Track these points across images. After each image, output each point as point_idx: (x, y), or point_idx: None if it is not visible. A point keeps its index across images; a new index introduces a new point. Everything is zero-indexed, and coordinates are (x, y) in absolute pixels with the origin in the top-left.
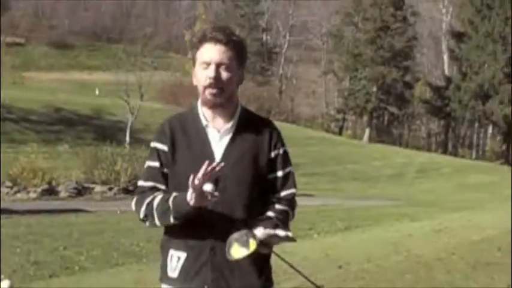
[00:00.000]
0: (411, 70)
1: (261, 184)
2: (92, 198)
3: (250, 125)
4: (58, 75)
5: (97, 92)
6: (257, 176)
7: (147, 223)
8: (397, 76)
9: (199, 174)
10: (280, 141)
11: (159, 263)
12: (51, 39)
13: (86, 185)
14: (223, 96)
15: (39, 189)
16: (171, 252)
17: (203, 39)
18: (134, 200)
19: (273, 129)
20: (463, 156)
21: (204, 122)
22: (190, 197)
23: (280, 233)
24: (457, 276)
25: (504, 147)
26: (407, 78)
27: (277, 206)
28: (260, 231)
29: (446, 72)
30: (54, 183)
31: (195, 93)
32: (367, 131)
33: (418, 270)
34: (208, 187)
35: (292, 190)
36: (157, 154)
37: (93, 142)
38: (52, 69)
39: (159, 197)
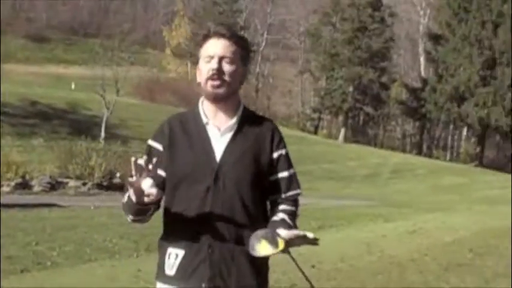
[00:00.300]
0: (388, 71)
1: (261, 184)
2: (66, 193)
3: (252, 124)
4: (34, 69)
5: (73, 86)
6: (258, 175)
7: (128, 219)
8: (373, 77)
9: (132, 172)
10: (283, 142)
11: (132, 259)
12: (28, 32)
13: (60, 179)
14: (225, 88)
15: (12, 183)
16: (170, 249)
17: (207, 35)
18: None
19: (275, 129)
20: (437, 158)
21: (204, 120)
22: (131, 194)
23: (309, 234)
24: (429, 277)
25: (478, 149)
26: (384, 79)
27: (286, 207)
28: (284, 232)
29: (423, 74)
30: (27, 177)
31: (171, 89)
32: (343, 130)
33: (390, 270)
34: (146, 183)
35: (298, 191)
36: (147, 152)
37: (68, 136)
38: (28, 62)
39: (127, 193)
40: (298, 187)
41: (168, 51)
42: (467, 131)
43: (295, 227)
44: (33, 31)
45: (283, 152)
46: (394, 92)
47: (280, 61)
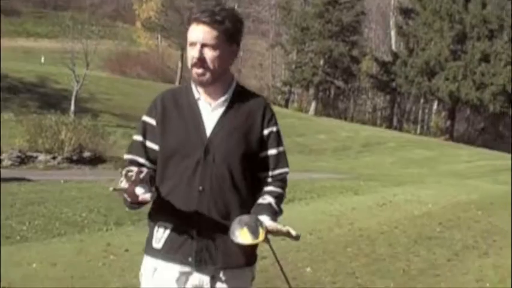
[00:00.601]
0: (358, 45)
1: (251, 160)
2: (35, 167)
3: (244, 100)
4: (4, 42)
5: (42, 60)
6: (248, 150)
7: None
8: (344, 50)
9: (122, 177)
10: (274, 119)
11: (101, 233)
12: None
13: (29, 153)
14: (209, 75)
15: None
16: (158, 223)
17: (192, 19)
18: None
19: (267, 106)
20: (407, 131)
21: (196, 95)
22: (125, 197)
23: (292, 232)
24: (398, 250)
25: (448, 123)
26: (355, 52)
27: (273, 188)
28: (269, 222)
29: (393, 47)
30: None
31: (141, 63)
32: (313, 104)
33: (360, 243)
34: (139, 191)
35: (286, 169)
36: (143, 127)
37: (37, 110)
38: None
39: (121, 182)
40: (287, 166)
41: (138, 24)
42: (438, 104)
43: (280, 211)
44: (3, 4)
45: (274, 129)
46: (364, 65)
47: (251, 34)
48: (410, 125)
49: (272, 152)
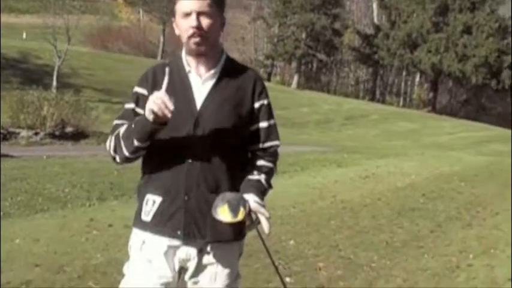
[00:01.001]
0: (340, 17)
1: (242, 133)
2: (18, 143)
3: (235, 73)
4: None
5: (24, 36)
6: (238, 123)
7: (117, 157)
8: (326, 23)
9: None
10: (265, 92)
11: (84, 209)
12: None
13: (11, 129)
14: (208, 43)
15: None
16: (147, 196)
17: None
18: (107, 140)
19: (258, 79)
20: (390, 104)
21: (187, 68)
22: (148, 113)
23: (265, 228)
24: (382, 221)
25: (431, 95)
26: (337, 25)
27: (263, 163)
28: (254, 204)
29: (375, 20)
30: None
31: (123, 37)
32: (296, 77)
33: (343, 215)
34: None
35: (277, 142)
36: (135, 97)
37: (19, 86)
38: None
39: (125, 125)
40: (277, 139)
41: None
42: (420, 77)
43: (270, 187)
44: None
45: (264, 102)
46: (347, 38)
47: (233, 8)
48: (393, 98)
49: (263, 124)
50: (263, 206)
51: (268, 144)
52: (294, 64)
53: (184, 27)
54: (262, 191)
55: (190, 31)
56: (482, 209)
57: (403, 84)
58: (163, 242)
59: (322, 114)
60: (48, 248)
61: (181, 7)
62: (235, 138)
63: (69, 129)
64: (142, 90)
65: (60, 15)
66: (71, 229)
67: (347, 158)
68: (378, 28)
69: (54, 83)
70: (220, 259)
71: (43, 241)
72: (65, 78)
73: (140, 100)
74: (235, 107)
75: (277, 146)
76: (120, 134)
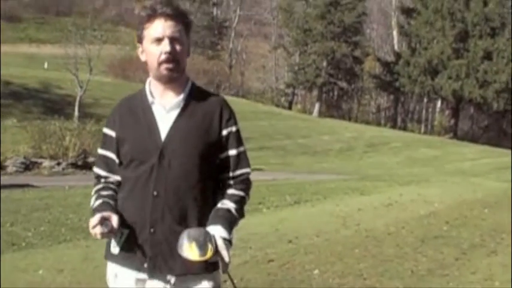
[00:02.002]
0: (361, 45)
1: (210, 162)
2: (40, 173)
3: (200, 101)
4: (7, 48)
5: (46, 66)
6: (206, 152)
7: None
8: (346, 51)
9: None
10: (233, 119)
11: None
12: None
13: (33, 159)
14: (179, 69)
15: None
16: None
17: (153, 15)
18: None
19: (225, 106)
20: (412, 131)
21: (150, 99)
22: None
23: (226, 259)
24: (406, 250)
25: (452, 121)
26: (357, 53)
27: (234, 191)
28: (220, 241)
29: (396, 47)
30: (1, 158)
31: (143, 67)
32: (317, 105)
33: (367, 244)
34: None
35: (247, 169)
36: (103, 140)
37: (41, 116)
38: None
39: (97, 202)
40: (248, 166)
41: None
42: (441, 103)
43: (241, 216)
44: (5, 10)
45: (233, 129)
46: (367, 66)
47: (253, 37)
48: (414, 125)
49: (232, 152)
50: (229, 242)
51: (238, 172)
52: (315, 92)
53: (155, 52)
54: (230, 222)
55: (163, 56)
56: (506, 236)
57: (424, 111)
58: (131, 276)
59: (343, 142)
60: (71, 279)
61: (152, 32)
62: (202, 168)
63: (91, 159)
64: (109, 132)
65: (82, 45)
66: (94, 260)
67: (369, 186)
68: (398, 55)
69: (76, 113)
70: None
71: (66, 272)
72: (87, 108)
73: (108, 143)
74: (201, 136)
75: (248, 173)
76: (93, 207)
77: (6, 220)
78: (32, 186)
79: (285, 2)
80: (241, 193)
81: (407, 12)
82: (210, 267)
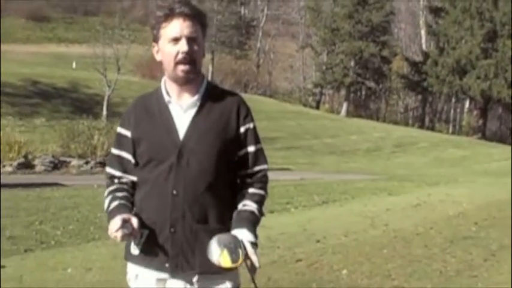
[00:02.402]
0: (389, 45)
1: (228, 160)
2: (68, 172)
3: (217, 99)
4: (35, 48)
5: (74, 65)
6: (223, 150)
7: None
8: (374, 51)
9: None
10: (250, 116)
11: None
12: (28, 11)
13: (62, 158)
14: (195, 70)
15: (15, 163)
16: None
17: (171, 15)
18: (106, 184)
19: (242, 103)
20: (440, 131)
21: (166, 98)
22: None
23: (256, 265)
24: (434, 250)
25: (481, 122)
26: (385, 53)
27: (255, 190)
28: (248, 245)
29: (424, 47)
30: (30, 156)
31: None
32: (345, 105)
33: (395, 244)
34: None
35: (265, 166)
36: (118, 140)
37: (69, 115)
38: (29, 42)
39: (114, 204)
40: (265, 162)
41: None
42: (470, 103)
43: (263, 215)
44: (34, 10)
45: (250, 126)
46: (395, 65)
47: (281, 36)
48: (442, 125)
49: (251, 149)
50: (256, 245)
51: (256, 168)
52: (342, 92)
53: (171, 52)
54: (254, 224)
55: (180, 56)
56: None
57: (452, 111)
58: (152, 276)
59: (371, 142)
60: (100, 277)
61: (169, 32)
62: (220, 166)
63: None
64: (124, 132)
65: (110, 45)
66: (122, 258)
67: (397, 186)
68: (426, 55)
69: (104, 112)
70: None
71: (95, 270)
72: (115, 107)
73: (123, 143)
74: (219, 134)
75: (266, 170)
76: (109, 209)
77: (35, 218)
78: (61, 185)
79: (312, 1)
80: (261, 192)
81: (436, 11)
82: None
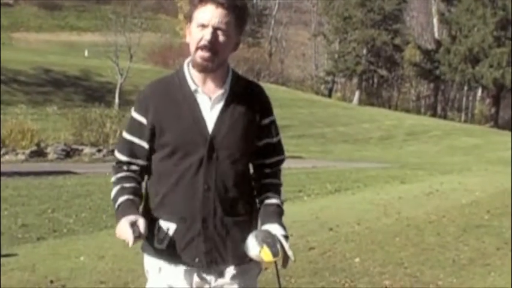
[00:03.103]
0: (401, 33)
1: (252, 151)
2: (81, 160)
3: (243, 90)
4: (47, 36)
5: (86, 53)
6: (250, 143)
7: None
8: (387, 39)
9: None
10: (271, 108)
11: None
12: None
13: (74, 146)
14: (215, 61)
15: (27, 151)
16: (160, 222)
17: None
18: (112, 168)
19: (265, 94)
20: (452, 119)
21: (193, 87)
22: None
23: (292, 258)
24: (447, 239)
25: (493, 110)
26: (397, 41)
27: (274, 181)
28: (283, 239)
29: (436, 35)
30: (42, 144)
31: (184, 54)
32: (357, 93)
33: (408, 232)
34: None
35: (284, 156)
36: (131, 125)
37: (82, 104)
38: (41, 30)
39: (121, 198)
40: (284, 152)
41: (180, 16)
42: (482, 91)
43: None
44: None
45: (272, 118)
46: (407, 54)
47: (293, 24)
48: (454, 113)
49: (272, 140)
50: (287, 238)
51: (276, 158)
52: (355, 80)
53: (197, 37)
54: (281, 216)
55: (202, 42)
56: None
57: (464, 99)
58: (179, 270)
59: (383, 131)
60: (113, 265)
61: (200, 17)
62: (247, 159)
63: None
64: (140, 118)
65: (122, 33)
66: (135, 246)
67: (410, 174)
68: (438, 43)
69: (117, 100)
70: (240, 281)
71: (108, 258)
72: (127, 96)
73: (136, 129)
74: (246, 127)
75: (283, 159)
76: (117, 203)
77: (48, 206)
78: (73, 173)
79: None
80: (279, 181)
81: None
82: None
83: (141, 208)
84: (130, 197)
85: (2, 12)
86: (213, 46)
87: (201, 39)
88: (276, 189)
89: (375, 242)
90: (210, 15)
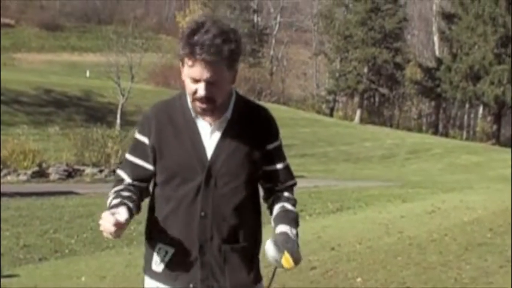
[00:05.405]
0: (402, 51)
1: (256, 178)
2: (83, 180)
3: (246, 116)
4: (49, 57)
5: (88, 74)
6: (252, 170)
7: None
8: (387, 57)
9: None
10: (277, 133)
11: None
12: (41, 20)
13: (76, 167)
14: (214, 107)
15: (29, 172)
16: (159, 245)
17: (191, 56)
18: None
19: (271, 119)
20: (454, 137)
21: (193, 113)
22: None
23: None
24: (449, 257)
25: (495, 127)
26: (398, 59)
27: (289, 195)
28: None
29: (437, 53)
30: (44, 165)
31: None
32: (358, 112)
33: (410, 251)
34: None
35: (293, 181)
36: (134, 145)
37: (83, 124)
38: (43, 51)
39: (114, 201)
40: (293, 178)
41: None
42: (483, 109)
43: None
44: (47, 19)
45: (278, 143)
46: (409, 72)
47: (294, 44)
48: (456, 131)
49: (280, 166)
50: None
51: (285, 184)
52: (356, 99)
53: (191, 88)
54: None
55: (198, 96)
56: None
57: (466, 117)
58: None
59: (385, 149)
60: (114, 286)
61: (191, 71)
62: (249, 185)
63: None
64: (143, 138)
65: (123, 53)
66: (136, 266)
67: (412, 193)
68: (439, 61)
69: (118, 120)
70: None
71: (109, 278)
72: (129, 116)
73: (140, 150)
74: (248, 154)
75: (296, 184)
76: (109, 205)
77: (49, 227)
78: (75, 193)
79: (325, 8)
80: (294, 196)
81: (448, 17)
82: (258, 277)
83: (143, 228)
84: (125, 201)
85: (3, 33)
86: (209, 98)
87: (195, 92)
88: (291, 202)
89: (377, 261)
90: (200, 73)
